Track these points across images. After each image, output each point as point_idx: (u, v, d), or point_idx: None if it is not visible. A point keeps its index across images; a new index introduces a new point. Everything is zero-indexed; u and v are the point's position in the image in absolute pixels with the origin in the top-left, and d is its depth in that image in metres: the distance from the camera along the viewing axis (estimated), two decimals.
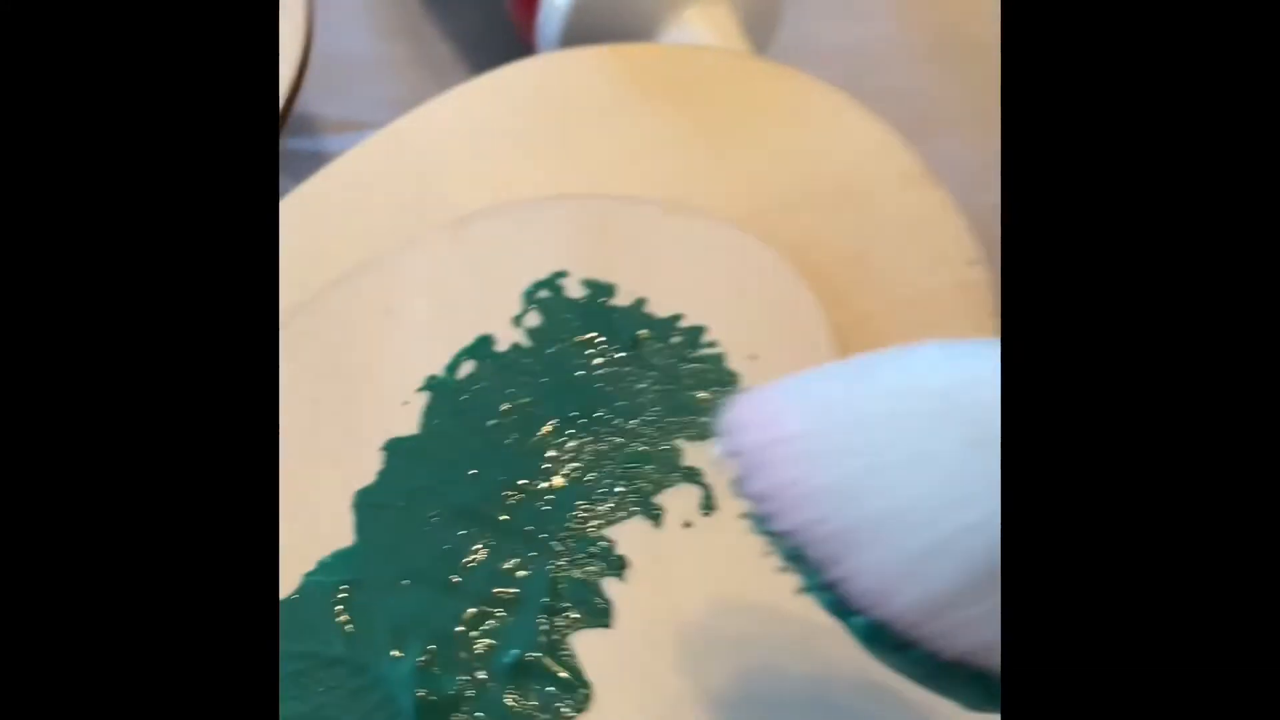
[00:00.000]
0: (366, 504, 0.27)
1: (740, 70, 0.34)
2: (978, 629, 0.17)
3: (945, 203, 0.32)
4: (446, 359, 0.29)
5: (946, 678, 0.18)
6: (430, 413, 0.28)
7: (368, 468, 0.27)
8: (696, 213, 0.31)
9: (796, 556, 0.18)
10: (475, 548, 0.26)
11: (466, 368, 0.29)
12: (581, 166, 0.32)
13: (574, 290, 0.30)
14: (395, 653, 0.25)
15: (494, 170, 0.32)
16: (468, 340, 0.29)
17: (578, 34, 0.36)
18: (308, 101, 0.38)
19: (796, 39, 0.38)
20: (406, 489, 0.27)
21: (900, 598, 0.17)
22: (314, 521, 0.27)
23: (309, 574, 0.26)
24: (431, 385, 0.29)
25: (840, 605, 0.18)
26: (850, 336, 0.29)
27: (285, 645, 0.25)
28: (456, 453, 0.28)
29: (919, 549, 0.17)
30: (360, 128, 0.34)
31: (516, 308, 0.30)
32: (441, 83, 0.35)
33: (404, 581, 0.26)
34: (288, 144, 0.37)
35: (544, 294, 0.30)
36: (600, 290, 0.30)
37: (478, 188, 0.32)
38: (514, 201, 0.31)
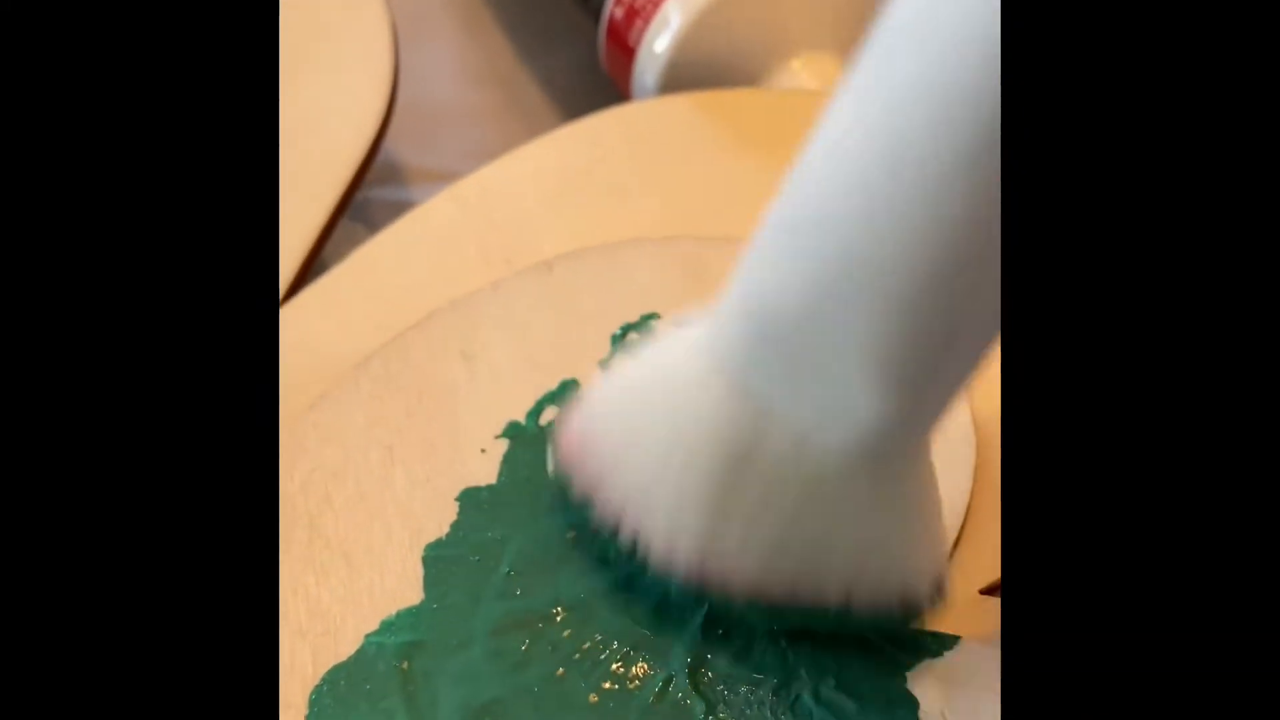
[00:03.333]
0: (436, 558, 0.24)
1: None
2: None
3: None
4: (529, 405, 0.27)
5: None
6: (509, 461, 0.26)
7: (442, 519, 0.25)
8: None
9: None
10: (554, 608, 0.24)
11: (550, 414, 0.26)
12: (676, 212, 0.30)
13: None
14: None
15: (585, 218, 0.30)
16: (552, 386, 0.27)
17: (675, 86, 0.34)
18: (395, 151, 0.37)
19: None
20: (479, 542, 0.25)
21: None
22: (381, 577, 0.24)
23: (370, 635, 0.24)
24: (512, 432, 0.26)
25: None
26: None
27: (345, 715, 0.23)
28: (536, 503, 0.25)
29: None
30: (450, 178, 0.32)
31: (605, 352, 0.27)
32: (532, 130, 0.33)
33: (473, 642, 0.23)
34: (374, 193, 0.36)
35: (634, 337, 0.27)
36: None
37: (567, 235, 0.30)
38: (600, 245, 0.29)
